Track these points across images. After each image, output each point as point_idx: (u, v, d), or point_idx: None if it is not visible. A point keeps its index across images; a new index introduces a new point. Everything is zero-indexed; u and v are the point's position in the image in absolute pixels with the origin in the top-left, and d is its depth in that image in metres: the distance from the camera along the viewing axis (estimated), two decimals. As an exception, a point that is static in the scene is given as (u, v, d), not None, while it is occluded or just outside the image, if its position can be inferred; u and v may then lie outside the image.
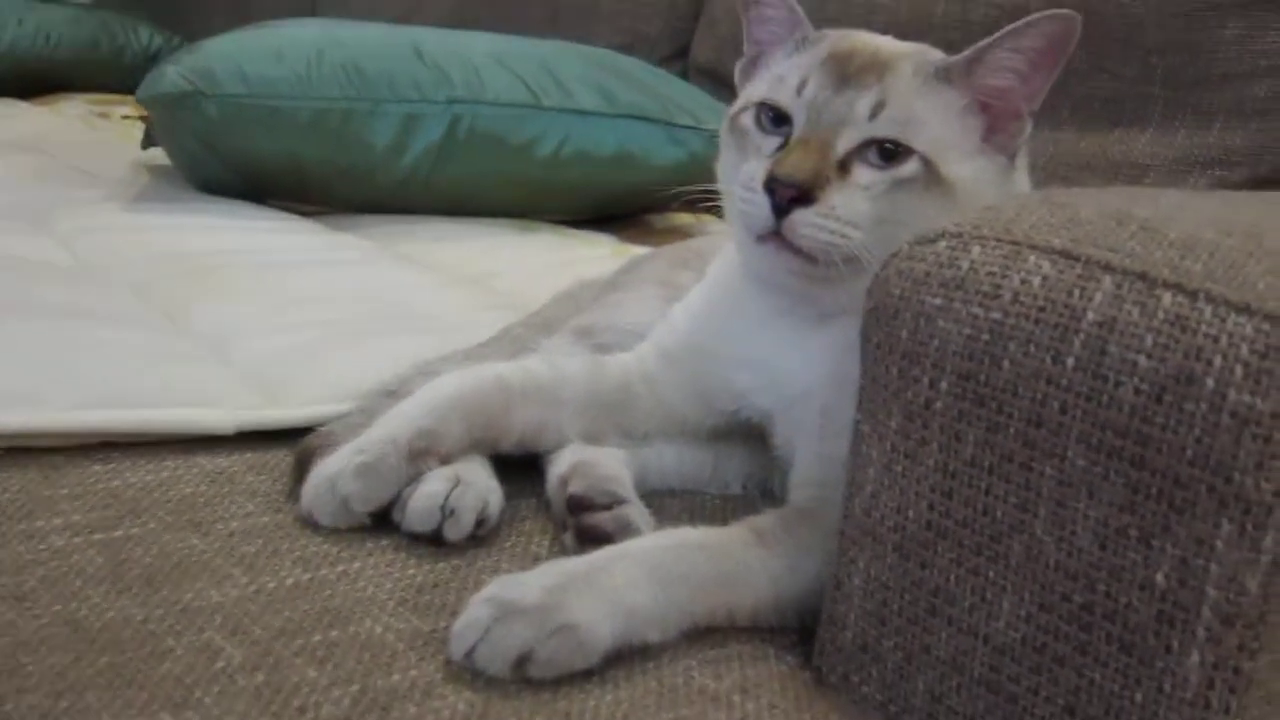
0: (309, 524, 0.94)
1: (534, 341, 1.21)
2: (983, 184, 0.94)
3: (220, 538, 0.91)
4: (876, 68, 0.95)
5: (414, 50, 1.90)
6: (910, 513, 0.80)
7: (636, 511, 0.93)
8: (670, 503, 1.07)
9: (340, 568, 0.88)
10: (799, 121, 0.95)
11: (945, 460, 0.77)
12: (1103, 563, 0.71)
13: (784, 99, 0.96)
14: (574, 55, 2.06)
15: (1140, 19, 1.87)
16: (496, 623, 0.77)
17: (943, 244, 0.79)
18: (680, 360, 1.08)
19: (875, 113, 0.93)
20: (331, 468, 0.93)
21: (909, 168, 0.93)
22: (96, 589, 0.82)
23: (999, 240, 0.77)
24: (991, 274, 0.75)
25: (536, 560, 0.94)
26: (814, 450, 0.98)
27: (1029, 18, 0.91)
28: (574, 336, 1.16)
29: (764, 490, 1.12)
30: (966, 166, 0.94)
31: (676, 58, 2.59)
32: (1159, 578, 0.69)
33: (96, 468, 1.00)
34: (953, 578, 0.78)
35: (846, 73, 0.95)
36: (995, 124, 0.96)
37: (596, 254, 1.80)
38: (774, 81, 0.98)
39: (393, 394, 1.10)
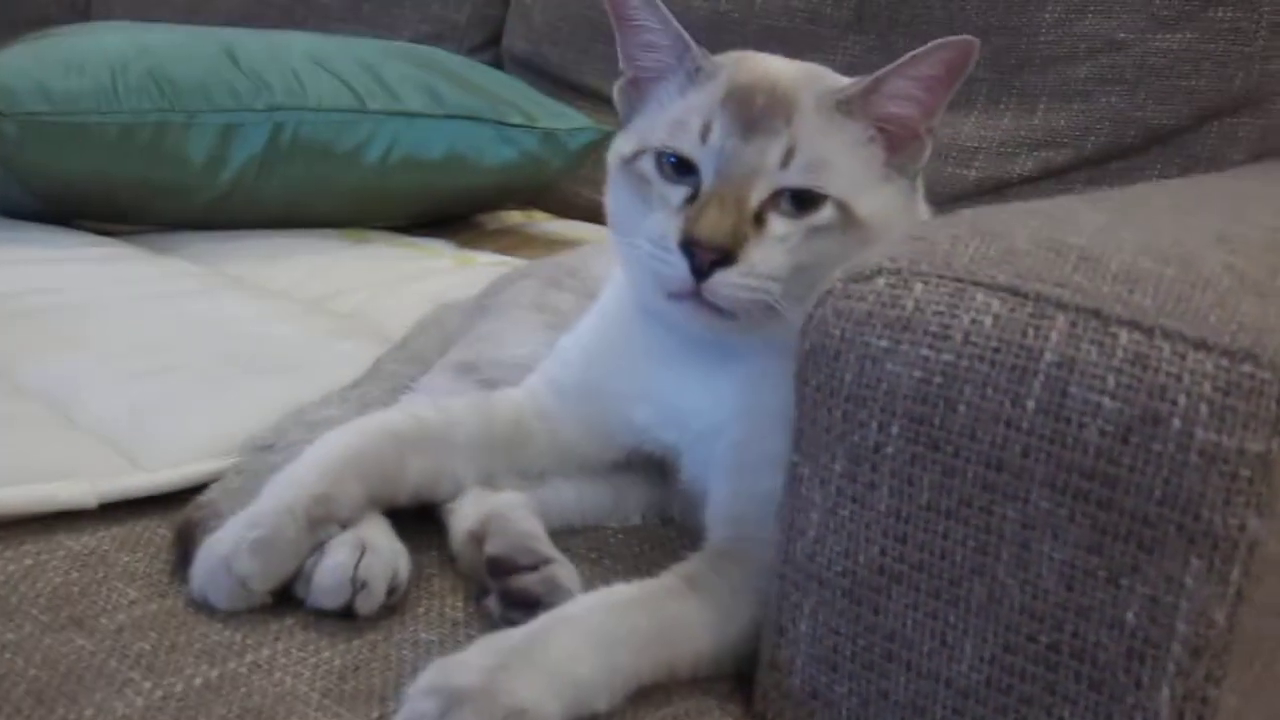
0: (203, 608, 0.86)
1: (411, 379, 1.14)
2: (892, 213, 0.92)
3: (108, 635, 0.82)
4: (781, 108, 0.91)
5: (228, 55, 1.77)
6: (860, 557, 0.78)
7: (564, 570, 0.88)
8: (574, 541, 1.02)
9: (249, 658, 0.81)
10: (707, 172, 0.91)
11: (897, 505, 0.75)
12: (1069, 603, 0.70)
13: (687, 148, 0.91)
14: (397, 54, 1.96)
15: (963, 3, 1.90)
16: (444, 716, 0.72)
17: (881, 281, 0.77)
18: (575, 397, 1.04)
19: (786, 160, 0.89)
20: (223, 545, 0.86)
21: (824, 214, 0.90)
22: (-20, 715, 0.73)
23: (941, 277, 0.75)
24: (939, 313, 0.74)
25: (454, 625, 0.88)
26: (729, 487, 0.95)
27: (927, 46, 0.89)
28: (455, 373, 1.10)
29: (664, 518, 1.09)
30: (876, 200, 0.92)
31: (487, 46, 2.50)
32: (1129, 616, 0.69)
33: (-54, 562, 0.89)
34: (909, 622, 0.76)
35: (751, 116, 0.90)
36: (894, 145, 0.94)
37: (438, 265, 1.72)
38: (673, 126, 0.93)
39: (269, 448, 1.02)
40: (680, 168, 0.92)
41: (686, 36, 0.96)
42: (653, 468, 1.07)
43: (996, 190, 1.89)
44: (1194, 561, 0.67)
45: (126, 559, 0.92)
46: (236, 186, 1.76)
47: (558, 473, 1.05)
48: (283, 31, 2.05)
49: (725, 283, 0.88)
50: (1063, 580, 0.70)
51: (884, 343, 0.75)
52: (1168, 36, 1.77)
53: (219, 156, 1.73)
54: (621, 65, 1.00)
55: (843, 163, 0.91)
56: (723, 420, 0.97)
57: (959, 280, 0.75)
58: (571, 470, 1.05)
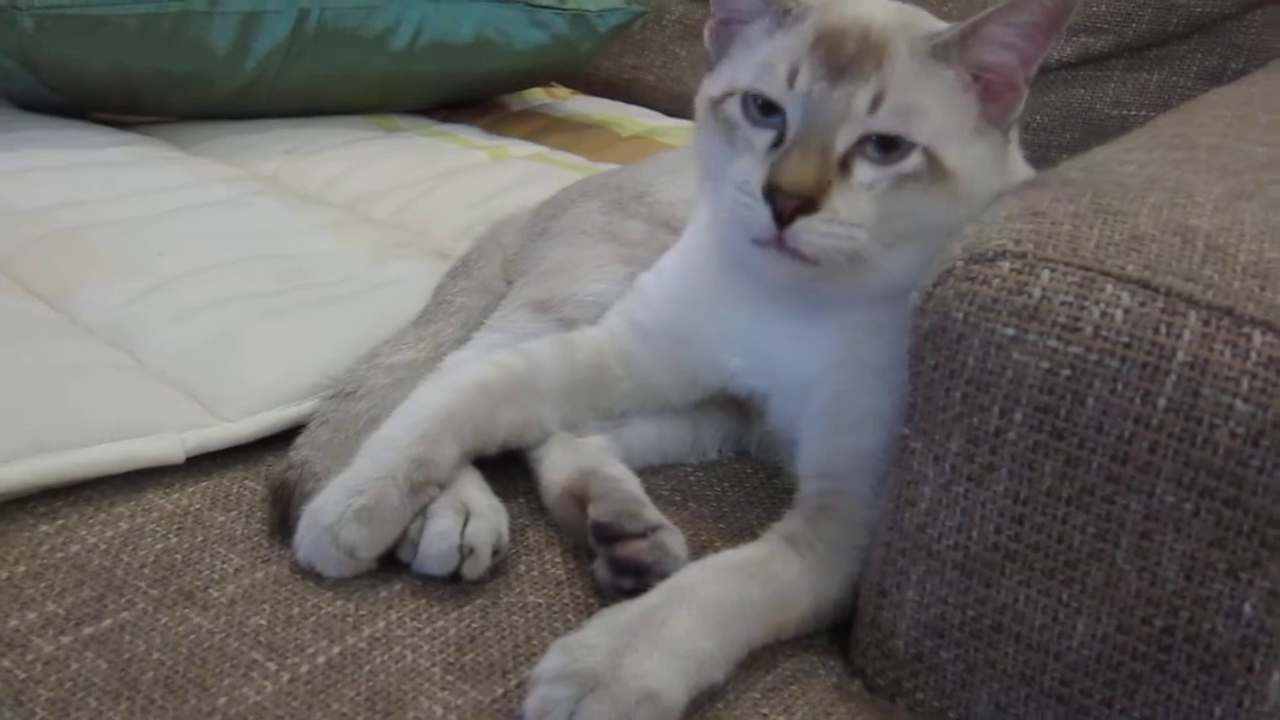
0: (309, 575, 0.87)
1: (481, 311, 1.13)
2: (983, 168, 0.90)
3: (222, 609, 0.83)
4: (872, 52, 0.88)
5: (247, -63, 1.70)
6: (974, 533, 0.79)
7: (672, 537, 0.89)
8: (656, 482, 1.03)
9: (366, 631, 0.82)
10: (793, 118, 0.88)
11: (1016, 488, 0.76)
12: (1187, 592, 0.72)
13: (774, 91, 0.89)
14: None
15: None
16: (579, 704, 0.73)
17: (1006, 265, 0.76)
18: (660, 342, 1.03)
19: (875, 106, 0.87)
20: (328, 514, 0.86)
21: (911, 162, 0.88)
22: (116, 708, 0.73)
23: (1068, 265, 0.74)
24: (1067, 304, 0.73)
25: (558, 585, 0.90)
26: (826, 441, 0.96)
27: None
28: (532, 312, 1.09)
29: (739, 451, 1.11)
30: (968, 152, 0.89)
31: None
32: (1246, 607, 0.71)
33: (44, 528, 0.89)
34: (1022, 597, 0.78)
35: (840, 61, 0.87)
36: (989, 95, 0.91)
37: (472, 158, 1.69)
38: (760, 69, 0.90)
39: (350, 395, 1.02)
40: (766, 110, 0.90)
41: None
42: (730, 404, 1.07)
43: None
44: (1318, 559, 0.69)
45: (222, 519, 0.92)
46: (260, 76, 1.71)
47: (639, 413, 1.05)
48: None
49: (808, 229, 0.86)
50: (1182, 570, 0.72)
51: (1010, 331, 0.74)
52: (1217, -84, 1.73)
53: (242, 46, 1.67)
54: (713, 7, 0.97)
55: (934, 110, 0.88)
56: (817, 371, 0.97)
57: (1087, 269, 0.74)
58: (652, 410, 1.06)
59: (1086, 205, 0.79)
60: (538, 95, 2.09)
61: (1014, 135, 0.96)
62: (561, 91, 2.13)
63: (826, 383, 0.96)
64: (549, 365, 1.01)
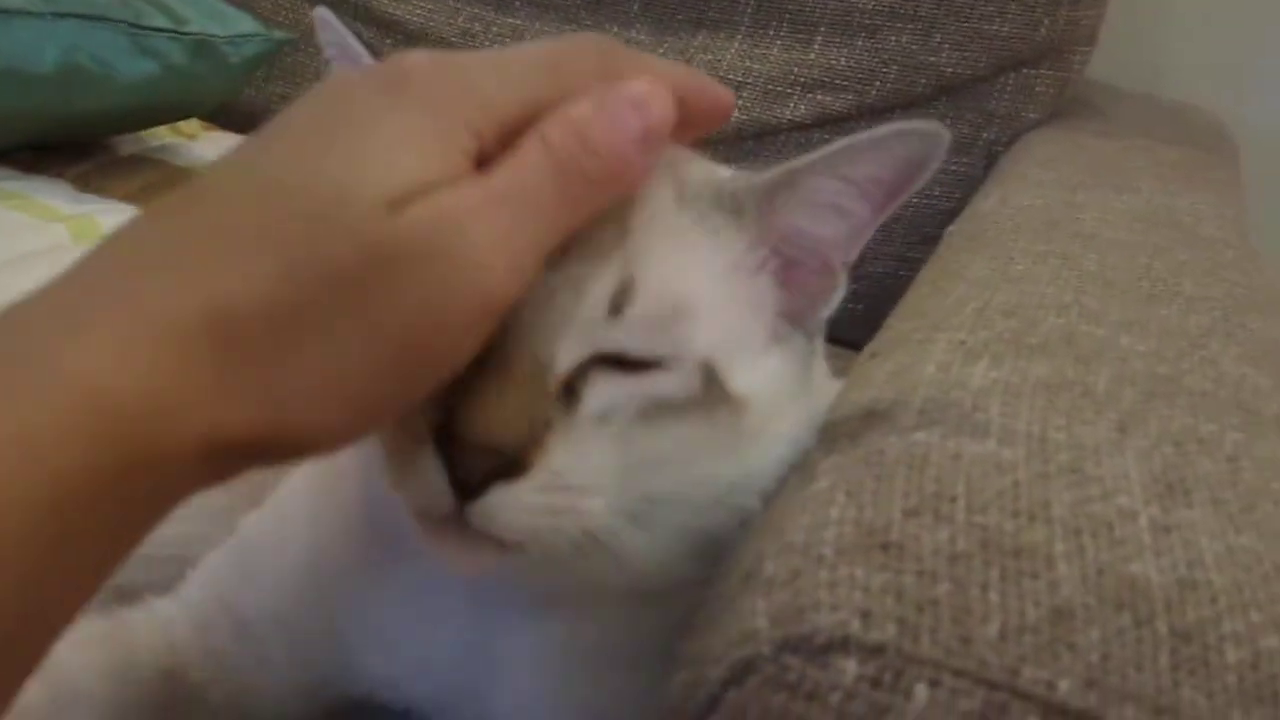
0: None
1: None
2: (782, 387, 0.58)
3: None
4: (613, 209, 0.53)
5: None
6: None
7: None
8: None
9: None
10: None
11: None
12: None
13: None
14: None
15: (721, -97, 1.56)
16: None
17: (851, 667, 0.44)
18: (266, 634, 0.66)
19: (619, 303, 0.53)
20: None
21: (675, 379, 0.54)
22: None
23: (959, 674, 0.43)
24: (962, 752, 0.42)
25: None
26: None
27: (875, 133, 0.54)
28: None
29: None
30: (761, 367, 0.57)
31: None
32: None
33: None
34: None
35: None
36: (792, 280, 0.59)
37: (48, 241, 1.24)
38: None
39: None
40: None
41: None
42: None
43: (760, 137, 1.58)
44: None
45: None
46: None
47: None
48: None
49: (509, 504, 0.51)
50: None
51: (864, 792, 0.43)
52: (971, -29, 1.50)
53: None
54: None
55: (717, 303, 0.56)
56: (520, 702, 0.62)
57: (993, 686, 0.43)
58: (265, 725, 0.69)
59: (964, 530, 0.48)
60: (159, 133, 1.64)
61: (820, 341, 0.64)
62: (190, 128, 1.69)
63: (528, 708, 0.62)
64: (88, 685, 0.63)
